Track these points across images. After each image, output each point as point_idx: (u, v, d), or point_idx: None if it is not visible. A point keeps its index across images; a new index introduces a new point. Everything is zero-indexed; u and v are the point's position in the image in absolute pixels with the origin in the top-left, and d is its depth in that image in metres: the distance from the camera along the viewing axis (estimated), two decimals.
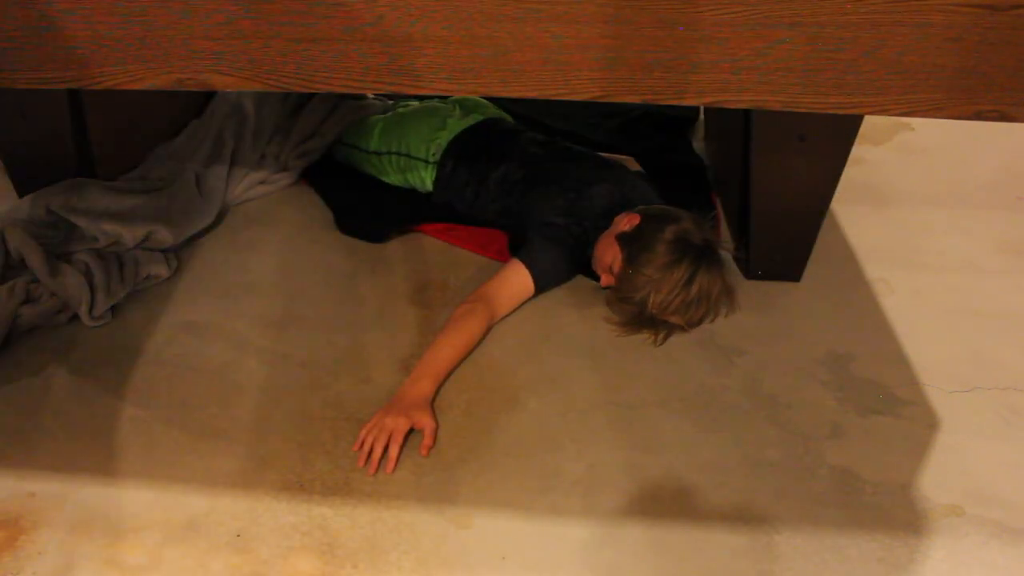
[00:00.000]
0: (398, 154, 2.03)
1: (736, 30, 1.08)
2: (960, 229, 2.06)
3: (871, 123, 2.49)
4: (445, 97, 2.14)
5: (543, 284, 1.75)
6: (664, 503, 1.35)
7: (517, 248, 1.81)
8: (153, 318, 1.70)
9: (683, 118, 2.38)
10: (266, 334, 1.66)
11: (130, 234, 1.75)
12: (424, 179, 2.01)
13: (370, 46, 1.12)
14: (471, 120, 2.03)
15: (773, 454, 1.43)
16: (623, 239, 1.67)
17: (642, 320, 1.67)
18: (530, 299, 1.74)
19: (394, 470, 1.38)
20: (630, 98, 1.15)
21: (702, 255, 1.65)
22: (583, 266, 1.81)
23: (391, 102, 2.23)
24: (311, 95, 2.16)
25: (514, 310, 1.72)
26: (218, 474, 1.37)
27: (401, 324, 1.70)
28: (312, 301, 1.76)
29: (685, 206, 1.77)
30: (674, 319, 1.65)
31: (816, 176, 1.70)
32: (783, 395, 1.55)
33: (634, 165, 2.17)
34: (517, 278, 1.71)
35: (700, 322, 1.71)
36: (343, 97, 2.17)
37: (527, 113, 2.30)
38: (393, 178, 2.07)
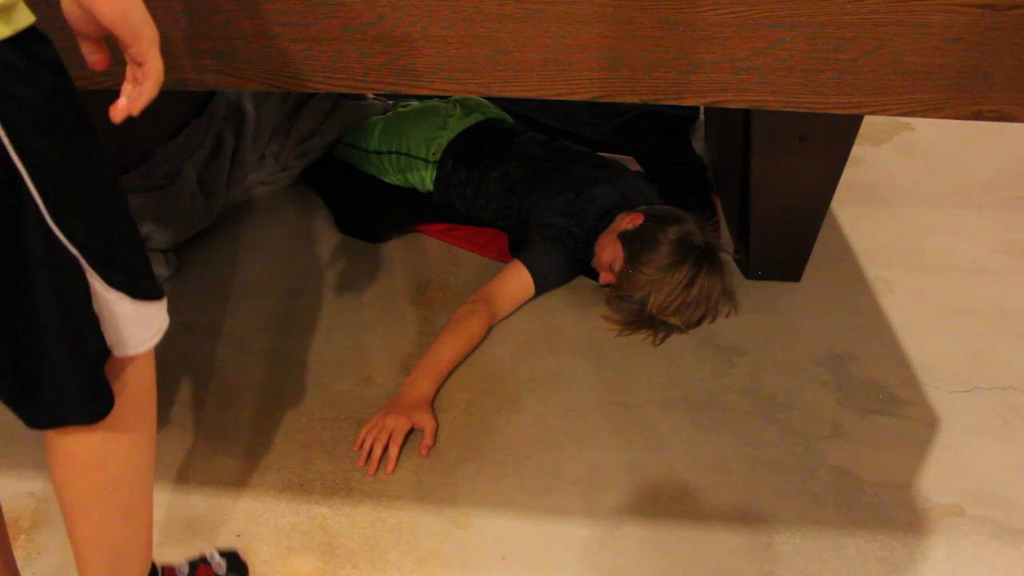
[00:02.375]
0: (398, 153, 2.03)
1: (736, 30, 1.09)
2: (960, 229, 2.06)
3: (871, 123, 2.48)
4: (445, 97, 2.14)
5: (543, 285, 1.75)
6: (664, 503, 1.35)
7: (517, 248, 1.81)
8: None
9: (683, 118, 2.38)
10: (266, 334, 1.66)
11: None
12: (424, 179, 2.01)
13: (370, 46, 1.12)
14: (472, 120, 2.03)
15: (773, 454, 1.43)
16: (625, 238, 1.67)
17: (641, 320, 1.67)
18: (530, 299, 1.74)
19: (394, 470, 1.38)
20: (630, 98, 1.15)
21: (704, 257, 1.65)
22: (583, 266, 1.81)
23: (391, 102, 2.23)
24: (311, 95, 2.16)
25: (514, 311, 1.72)
26: (218, 474, 1.37)
27: (401, 324, 1.70)
28: (312, 301, 1.76)
29: (685, 206, 1.77)
30: (673, 320, 1.65)
31: (816, 176, 1.70)
32: (783, 395, 1.55)
33: (634, 165, 2.17)
34: (517, 279, 1.71)
35: (699, 323, 1.71)
36: (343, 97, 2.17)
37: (527, 113, 2.30)
38: (393, 178, 2.07)
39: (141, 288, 0.88)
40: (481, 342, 1.63)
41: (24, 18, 0.72)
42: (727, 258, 1.82)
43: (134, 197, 1.82)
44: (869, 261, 1.93)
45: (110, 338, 0.88)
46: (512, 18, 1.09)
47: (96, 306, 0.84)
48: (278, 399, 1.51)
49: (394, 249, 1.93)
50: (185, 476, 1.36)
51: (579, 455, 1.42)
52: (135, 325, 0.89)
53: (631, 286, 1.65)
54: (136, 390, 0.94)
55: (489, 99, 2.20)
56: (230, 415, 1.48)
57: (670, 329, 1.68)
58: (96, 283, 0.83)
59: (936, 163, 2.36)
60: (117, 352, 0.89)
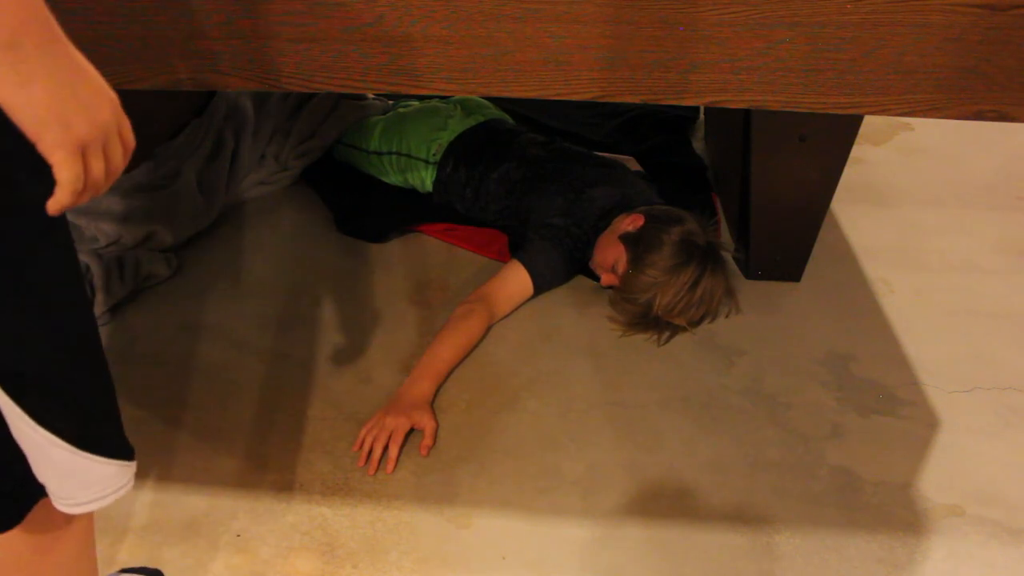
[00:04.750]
0: (398, 154, 2.03)
1: (736, 30, 1.09)
2: (960, 229, 2.06)
3: (871, 123, 2.49)
4: (446, 97, 2.14)
5: (542, 285, 1.74)
6: (664, 503, 1.35)
7: (517, 248, 1.81)
8: (153, 318, 1.70)
9: (683, 118, 2.38)
10: (266, 334, 1.66)
11: (130, 234, 1.75)
12: (424, 179, 2.01)
13: (370, 46, 1.12)
14: (472, 121, 2.03)
15: (773, 454, 1.43)
16: (628, 240, 1.67)
17: (646, 321, 1.66)
18: (529, 299, 1.74)
19: (394, 470, 1.38)
20: (630, 98, 1.15)
21: (707, 257, 1.65)
22: (582, 266, 1.81)
23: (391, 102, 2.23)
24: (311, 95, 2.16)
25: (513, 310, 1.72)
26: (218, 474, 1.37)
27: (401, 324, 1.70)
28: (312, 301, 1.76)
29: (685, 206, 1.77)
30: (678, 320, 1.65)
31: (816, 176, 1.70)
32: (783, 395, 1.55)
33: (634, 165, 2.17)
34: (516, 279, 1.71)
35: (701, 322, 1.71)
36: (343, 97, 2.17)
37: (527, 113, 2.30)
38: (393, 178, 2.07)
39: (90, 437, 0.70)
40: (480, 342, 1.63)
41: None
42: (727, 257, 1.82)
43: (134, 197, 1.82)
44: (869, 261, 1.93)
45: (42, 479, 0.70)
46: (512, 18, 1.09)
47: (18, 438, 0.67)
48: (278, 399, 1.51)
49: (394, 249, 1.93)
50: (185, 476, 1.36)
51: (579, 455, 1.42)
52: (72, 479, 0.70)
53: (635, 288, 1.64)
54: (61, 557, 0.76)
55: (489, 99, 2.20)
56: (230, 415, 1.48)
57: (675, 329, 1.68)
58: (10, 411, 0.65)
59: (936, 163, 2.36)
60: (53, 499, 0.71)
